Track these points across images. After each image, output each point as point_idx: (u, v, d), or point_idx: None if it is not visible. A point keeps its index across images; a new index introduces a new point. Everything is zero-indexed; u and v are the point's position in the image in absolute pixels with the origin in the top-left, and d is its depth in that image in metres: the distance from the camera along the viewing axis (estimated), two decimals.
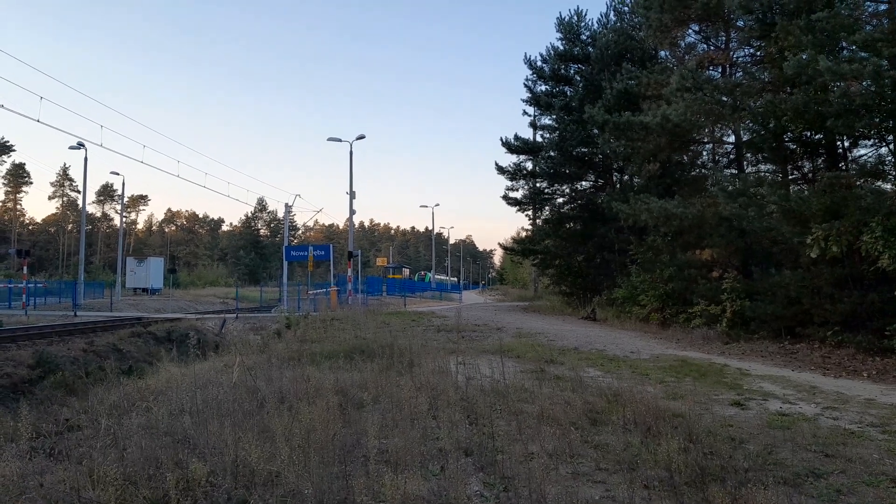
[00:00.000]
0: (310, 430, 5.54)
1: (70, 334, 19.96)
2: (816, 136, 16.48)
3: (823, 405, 8.26)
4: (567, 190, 33.70)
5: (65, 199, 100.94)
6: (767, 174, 19.41)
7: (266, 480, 4.73)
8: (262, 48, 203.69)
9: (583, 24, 32.34)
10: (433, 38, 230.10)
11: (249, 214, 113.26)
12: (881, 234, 12.03)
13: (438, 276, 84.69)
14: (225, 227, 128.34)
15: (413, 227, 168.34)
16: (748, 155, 20.20)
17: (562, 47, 32.47)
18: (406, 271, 79.20)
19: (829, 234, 12.82)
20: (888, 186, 14.42)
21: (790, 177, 18.39)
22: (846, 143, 16.54)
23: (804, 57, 12.95)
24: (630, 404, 6.89)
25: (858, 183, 14.26)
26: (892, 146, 14.85)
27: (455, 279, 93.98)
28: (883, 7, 14.47)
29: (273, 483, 4.70)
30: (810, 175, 17.81)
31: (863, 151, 16.57)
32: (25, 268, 34.66)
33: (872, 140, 15.74)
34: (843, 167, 16.07)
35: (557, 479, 4.67)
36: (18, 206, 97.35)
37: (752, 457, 5.55)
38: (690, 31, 20.80)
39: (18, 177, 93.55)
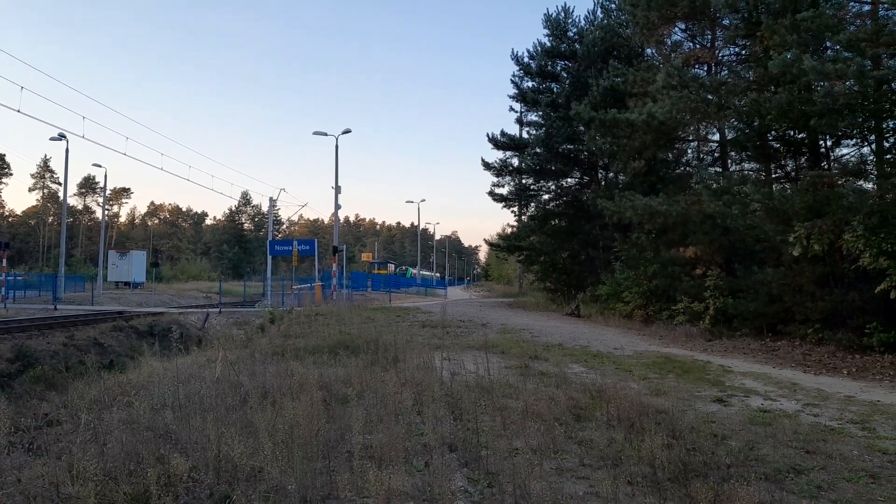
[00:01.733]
0: (293, 426, 5.50)
1: (50, 328, 19.73)
2: (800, 135, 16.59)
3: (804, 402, 8.35)
4: (553, 186, 33.80)
5: (45, 190, 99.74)
6: (751, 172, 19.55)
7: (249, 476, 4.69)
8: (248, 42, 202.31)
9: (570, 20, 32.39)
10: (420, 33, 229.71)
11: (233, 208, 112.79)
12: (862, 233, 12.16)
13: (423, 273, 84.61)
14: (209, 221, 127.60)
15: (399, 223, 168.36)
16: (732, 153, 20.34)
17: (549, 44, 32.51)
18: (391, 267, 79.07)
19: (812, 233, 12.94)
20: (870, 186, 14.57)
21: (773, 175, 18.53)
22: (829, 143, 16.69)
23: (789, 56, 13.04)
24: (614, 400, 6.92)
25: (840, 182, 14.40)
26: (874, 146, 15.00)
27: (438, 274, 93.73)
28: (867, 7, 14.60)
29: (256, 478, 4.66)
30: (793, 174, 17.97)
31: (845, 151, 16.74)
32: (5, 260, 34.07)
33: (855, 139, 15.89)
34: (826, 166, 16.21)
35: (541, 475, 4.66)
36: None
37: (734, 453, 5.58)
38: (677, 29, 20.90)
39: None
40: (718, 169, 20.57)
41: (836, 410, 7.84)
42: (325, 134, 34.47)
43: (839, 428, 6.86)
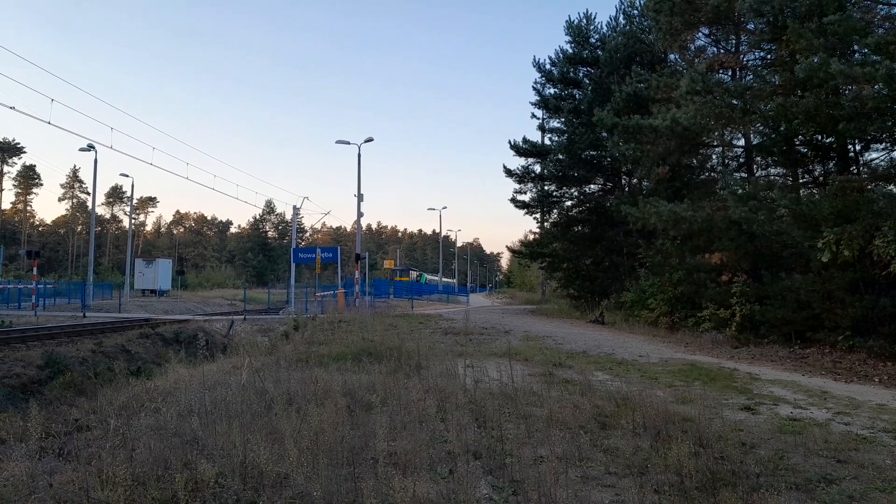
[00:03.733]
0: (318, 432, 5.53)
1: (79, 335, 20.04)
2: (828, 140, 16.38)
3: (835, 410, 8.19)
4: (575, 193, 33.66)
5: (74, 200, 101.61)
6: (778, 178, 19.33)
7: (275, 482, 4.72)
8: (272, 53, 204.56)
9: (592, 27, 32.33)
10: (441, 41, 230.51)
11: (257, 216, 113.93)
12: (893, 238, 11.94)
13: (445, 280, 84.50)
14: (233, 229, 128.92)
15: (420, 230, 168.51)
16: (758, 158, 20.10)
17: (571, 50, 32.46)
18: (413, 274, 79.19)
19: (841, 239, 12.72)
20: None
21: (801, 180, 18.29)
22: (858, 147, 16.45)
23: (816, 60, 12.89)
24: (639, 408, 6.85)
25: (870, 187, 14.18)
26: None
27: (454, 281, 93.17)
28: (895, 10, 14.38)
29: (282, 485, 4.69)
30: (821, 179, 17.71)
31: (875, 155, 16.50)
32: (35, 269, 34.85)
33: (884, 143, 15.66)
34: (855, 171, 15.97)
35: (567, 483, 4.63)
36: (28, 208, 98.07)
37: (764, 462, 5.50)
38: (700, 34, 20.74)
39: (29, 178, 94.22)
40: (744, 174, 20.33)
41: (868, 419, 7.68)
42: (348, 143, 34.72)
43: (871, 437, 6.72)
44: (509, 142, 33.62)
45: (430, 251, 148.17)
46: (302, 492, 4.53)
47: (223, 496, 4.49)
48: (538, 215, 36.38)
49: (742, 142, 20.51)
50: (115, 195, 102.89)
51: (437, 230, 78.57)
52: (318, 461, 4.88)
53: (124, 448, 5.38)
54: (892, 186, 14.56)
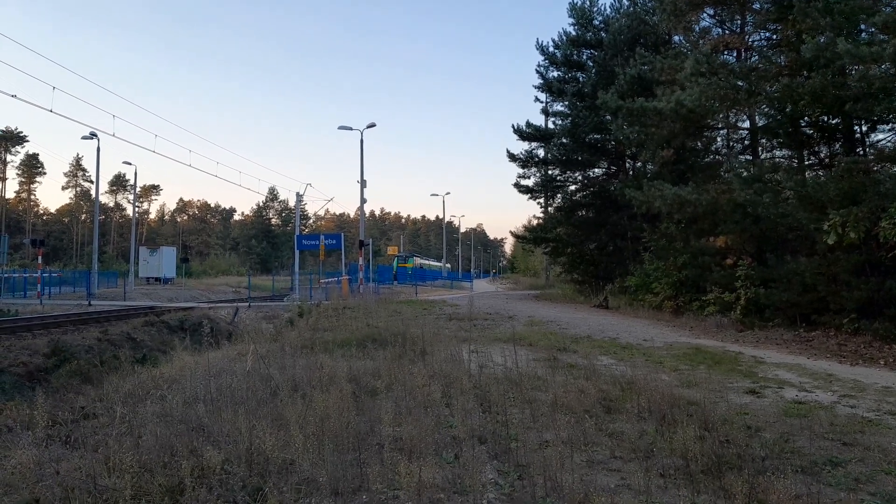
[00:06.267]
0: (324, 418, 5.54)
1: (84, 323, 20.13)
2: (834, 121, 16.22)
3: (840, 393, 8.18)
4: (579, 177, 33.52)
5: (78, 189, 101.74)
6: (783, 160, 19.18)
7: (281, 468, 4.73)
8: (274, 39, 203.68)
9: (595, 8, 32.08)
10: (444, 26, 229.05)
11: (261, 203, 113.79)
12: None
13: (448, 265, 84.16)
14: (237, 217, 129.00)
15: (424, 216, 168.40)
16: (763, 140, 19.95)
17: (574, 33, 32.20)
18: (417, 260, 78.98)
19: (847, 221, 12.62)
20: None
21: (806, 162, 18.14)
22: (864, 128, 16.29)
23: (822, 40, 12.75)
24: (644, 392, 6.85)
25: (876, 168, 14.07)
26: None
27: (448, 266, 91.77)
28: None
29: (287, 471, 4.70)
30: (827, 160, 17.57)
31: (881, 136, 16.35)
32: (40, 257, 35.00)
33: (891, 124, 15.50)
34: (861, 152, 15.84)
35: (572, 468, 4.63)
36: (32, 197, 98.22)
37: (769, 445, 5.49)
38: (705, 14, 20.50)
39: (32, 167, 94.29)
40: (749, 157, 20.20)
41: (874, 401, 7.66)
42: (350, 128, 34.61)
43: (877, 419, 6.71)
44: (512, 126, 33.42)
45: (434, 237, 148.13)
46: (308, 477, 4.54)
47: (229, 482, 4.49)
48: (542, 200, 36.26)
49: (747, 124, 20.35)
50: (119, 183, 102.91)
51: (441, 216, 78.43)
52: (323, 447, 4.88)
53: (130, 435, 5.40)
54: None
